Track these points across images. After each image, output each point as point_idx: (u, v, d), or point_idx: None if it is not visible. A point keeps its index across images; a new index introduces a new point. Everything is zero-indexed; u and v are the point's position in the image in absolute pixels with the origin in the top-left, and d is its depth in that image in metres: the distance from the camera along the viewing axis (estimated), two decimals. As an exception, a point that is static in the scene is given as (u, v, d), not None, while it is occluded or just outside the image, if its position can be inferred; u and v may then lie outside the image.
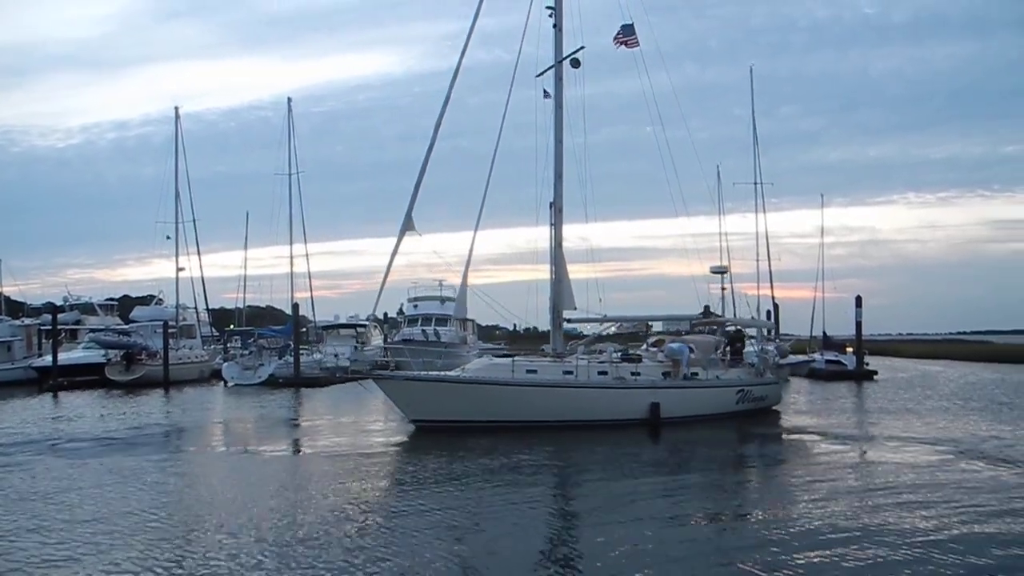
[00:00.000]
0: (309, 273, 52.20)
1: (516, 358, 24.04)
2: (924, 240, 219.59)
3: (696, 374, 23.84)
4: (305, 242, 51.18)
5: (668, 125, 25.24)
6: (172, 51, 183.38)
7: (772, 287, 46.16)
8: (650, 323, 31.42)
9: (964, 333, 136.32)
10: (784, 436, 21.49)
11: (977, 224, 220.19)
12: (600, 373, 22.57)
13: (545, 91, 24.59)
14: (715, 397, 24.02)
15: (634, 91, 24.89)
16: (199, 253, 49.08)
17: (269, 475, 15.35)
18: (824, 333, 46.95)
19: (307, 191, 52.68)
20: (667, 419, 21.89)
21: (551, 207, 24.62)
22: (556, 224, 24.53)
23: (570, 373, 22.22)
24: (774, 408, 26.10)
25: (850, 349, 44.05)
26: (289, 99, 51.45)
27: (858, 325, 43.36)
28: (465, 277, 23.73)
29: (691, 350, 24.12)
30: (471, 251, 24.04)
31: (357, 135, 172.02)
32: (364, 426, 23.17)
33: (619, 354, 24.59)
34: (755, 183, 45.29)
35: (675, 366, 23.39)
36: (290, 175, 49.83)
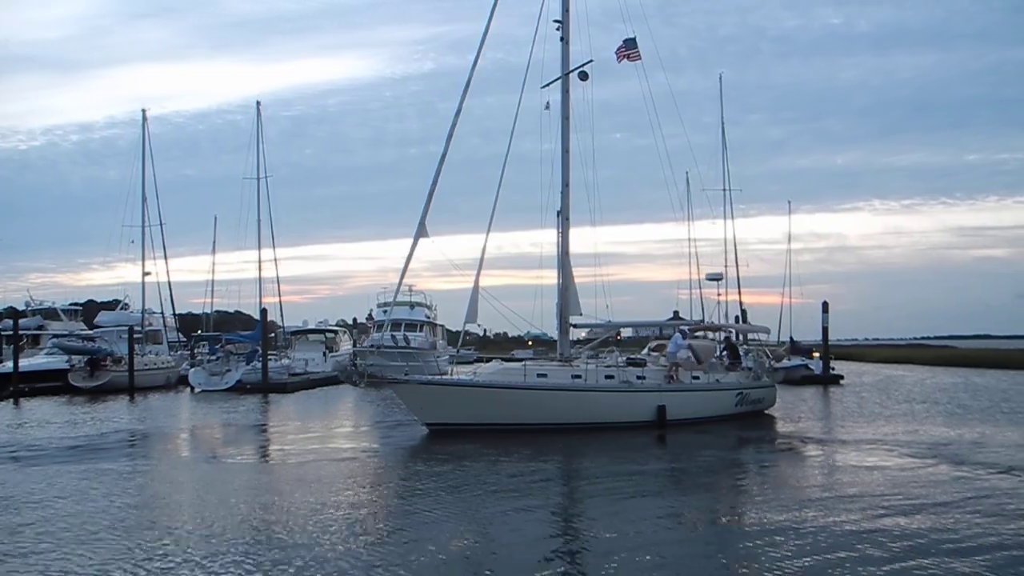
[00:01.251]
0: (278, 278, 51.80)
1: (527, 362, 24.26)
2: (889, 246, 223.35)
3: (698, 378, 24.49)
4: (274, 247, 50.77)
5: (638, 132, 25.48)
6: (138, 53, 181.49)
7: (740, 292, 46.58)
8: (619, 330, 31.53)
9: (928, 338, 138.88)
10: (779, 439, 21.79)
11: (940, 231, 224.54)
12: (607, 377, 23.04)
13: (548, 103, 24.87)
14: (716, 400, 24.70)
15: (602, 98, 25.03)
16: (166, 257, 48.57)
17: (237, 482, 15.10)
18: (791, 338, 47.39)
19: (276, 195, 52.43)
20: (672, 421, 22.53)
21: (558, 215, 24.99)
22: (563, 232, 24.97)
23: (579, 377, 22.59)
24: (769, 411, 26.88)
25: (817, 354, 44.50)
26: (258, 103, 51.10)
27: (825, 330, 43.80)
28: (476, 282, 23.50)
29: (692, 352, 24.74)
30: (482, 256, 23.88)
31: (326, 139, 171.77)
32: (334, 432, 22.99)
33: (624, 358, 25.18)
34: (724, 189, 45.65)
35: (676, 368, 23.90)
36: (259, 179, 49.45)
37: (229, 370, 41.09)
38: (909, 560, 9.12)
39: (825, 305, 44.18)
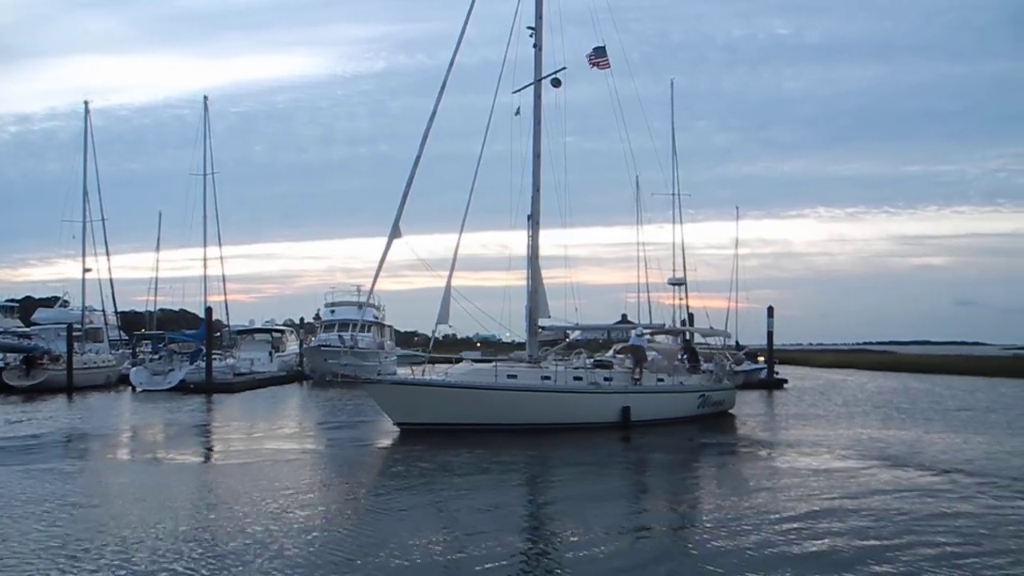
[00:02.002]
0: (224, 276, 51.10)
1: (497, 363, 24.64)
2: (834, 253, 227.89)
3: (662, 380, 25.06)
4: (220, 244, 50.08)
5: (587, 137, 25.83)
6: (82, 43, 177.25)
7: (687, 296, 47.05)
8: (567, 332, 31.73)
9: (870, 343, 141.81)
10: (740, 440, 22.39)
11: (883, 239, 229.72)
12: (576, 378, 23.45)
13: (518, 109, 25.01)
14: (679, 402, 25.33)
15: (551, 102, 25.18)
16: (108, 254, 47.42)
17: (179, 484, 14.83)
18: (737, 342, 47.99)
19: (223, 192, 51.58)
20: (636, 422, 22.97)
21: (528, 219, 25.30)
22: (533, 236, 25.30)
23: (548, 378, 23.00)
24: (730, 412, 27.67)
25: (761, 358, 45.13)
26: (205, 97, 50.37)
27: (769, 335, 44.42)
28: (449, 283, 23.65)
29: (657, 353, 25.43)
30: (455, 256, 24.19)
31: (276, 136, 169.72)
32: (279, 432, 22.68)
33: (592, 360, 25.74)
34: (673, 194, 46.04)
35: (640, 371, 24.28)
36: (205, 175, 48.71)
37: (172, 369, 40.29)
38: (846, 554, 9.48)
39: (770, 310, 44.82)
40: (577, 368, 24.32)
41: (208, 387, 37.60)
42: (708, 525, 11.35)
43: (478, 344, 72.84)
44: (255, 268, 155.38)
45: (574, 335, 31.26)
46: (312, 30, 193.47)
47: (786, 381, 43.55)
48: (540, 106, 25.10)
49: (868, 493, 13.54)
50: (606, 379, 23.84)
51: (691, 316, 46.48)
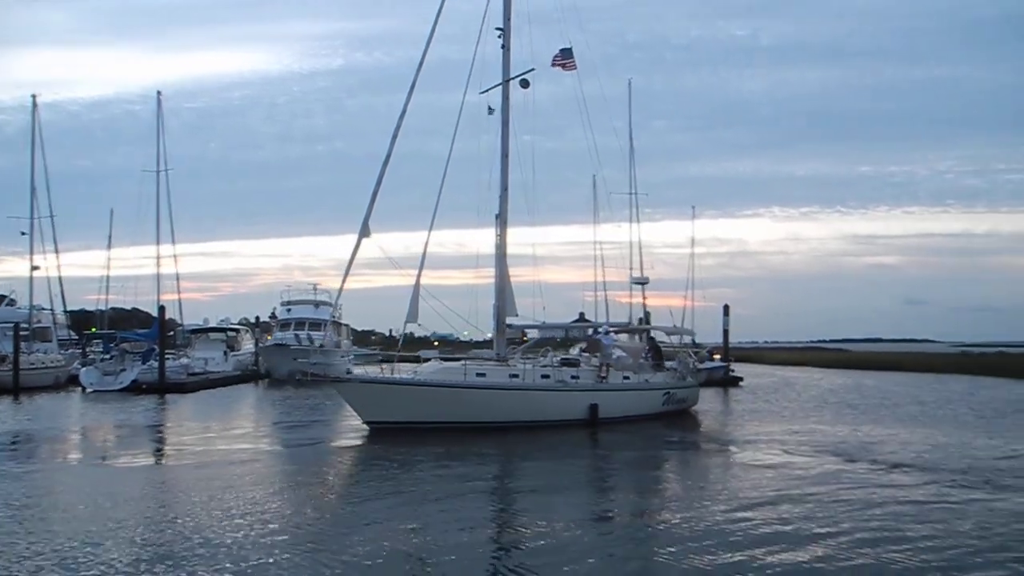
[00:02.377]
0: (177, 275, 50.18)
1: (466, 362, 24.66)
2: (788, 252, 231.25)
3: (628, 378, 25.42)
4: (173, 242, 49.17)
5: (545, 136, 26.03)
6: (31, 36, 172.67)
7: (644, 295, 47.33)
8: (525, 331, 31.84)
9: (824, 341, 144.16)
10: (701, 436, 22.91)
11: (836, 238, 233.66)
12: (543, 376, 23.80)
13: (489, 107, 25.19)
14: (645, 399, 25.74)
15: (522, 102, 25.36)
16: (57, 251, 46.40)
17: (130, 486, 14.50)
18: (693, 340, 48.44)
19: (177, 189, 50.53)
20: (604, 419, 23.31)
21: (496, 219, 25.48)
22: (501, 235, 25.50)
23: (516, 376, 23.37)
24: (692, 409, 28.21)
25: (717, 356, 45.62)
26: (159, 92, 49.28)
27: (725, 333, 45.01)
28: (418, 281, 23.66)
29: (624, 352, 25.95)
30: (424, 255, 24.32)
31: (231, 133, 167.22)
32: (233, 432, 22.37)
33: (559, 358, 26.22)
34: (630, 193, 46.23)
35: (607, 369, 24.67)
36: (159, 172, 47.79)
37: (124, 369, 39.54)
38: (798, 547, 9.73)
39: (726, 308, 45.41)
40: (545, 366, 24.66)
41: (161, 387, 37.03)
42: (671, 518, 11.79)
43: (435, 343, 72.68)
44: (210, 266, 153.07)
45: (532, 334, 31.34)
46: (269, 26, 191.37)
47: (741, 379, 44.07)
48: (508, 107, 25.40)
49: (819, 485, 13.94)
50: (573, 377, 24.20)
51: (648, 314, 46.83)
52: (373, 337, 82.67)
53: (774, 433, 21.67)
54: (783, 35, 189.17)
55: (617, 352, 25.74)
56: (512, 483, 16.11)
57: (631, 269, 46.69)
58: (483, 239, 26.13)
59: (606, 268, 48.36)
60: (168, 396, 34.85)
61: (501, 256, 25.55)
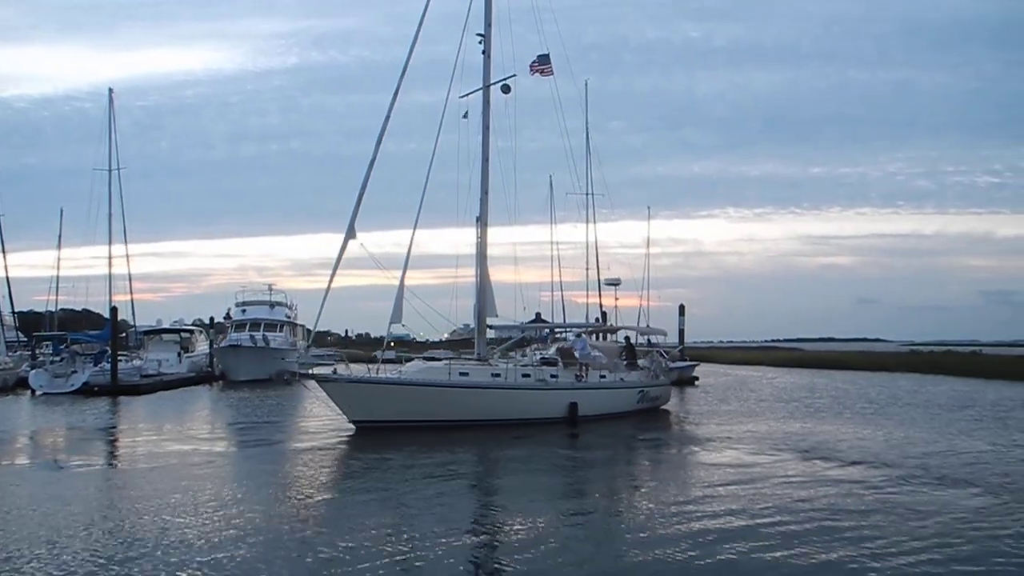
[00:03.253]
0: (130, 275, 49.66)
1: (450, 362, 25.05)
2: (743, 253, 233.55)
3: (604, 377, 26.17)
4: (125, 242, 48.65)
5: (499, 135, 26.22)
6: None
7: (600, 295, 47.75)
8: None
9: (777, 341, 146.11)
10: (674, 433, 23.77)
11: (789, 239, 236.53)
12: (524, 376, 24.49)
13: (466, 113, 25.59)
14: (621, 397, 26.65)
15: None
16: (4, 252, 45.71)
17: (82, 491, 14.29)
18: (649, 340, 48.89)
19: (129, 189, 49.66)
20: (582, 417, 24.02)
21: (477, 221, 26.05)
22: (482, 237, 26.08)
23: (498, 376, 23.99)
24: (664, 407, 29.00)
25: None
26: (111, 89, 48.80)
27: (681, 332, 45.52)
28: (402, 282, 24.07)
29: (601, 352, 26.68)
30: (408, 255, 24.88)
31: (183, 132, 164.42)
32: (187, 434, 22.09)
33: (539, 357, 27.08)
34: (587, 194, 46.56)
35: (585, 369, 25.46)
36: (110, 171, 47.15)
37: (75, 371, 38.72)
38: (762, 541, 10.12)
39: (681, 308, 45.94)
40: (525, 366, 25.46)
41: (114, 389, 36.41)
42: (649, 514, 12.27)
43: (391, 344, 72.45)
44: (163, 267, 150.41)
45: (490, 334, 31.55)
46: (221, 23, 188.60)
47: (697, 378, 44.58)
48: (489, 112, 25.81)
49: (780, 483, 14.48)
50: (552, 376, 24.86)
51: (604, 314, 47.22)
52: (329, 337, 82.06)
53: (733, 431, 22.24)
54: (736, 38, 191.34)
55: (595, 352, 26.37)
56: (495, 481, 16.40)
57: (587, 269, 47.14)
58: (450, 239, 26.74)
59: (563, 268, 48.72)
60: (121, 398, 34.28)
61: (482, 257, 26.11)
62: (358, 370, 24.33)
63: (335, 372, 22.96)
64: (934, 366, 53.17)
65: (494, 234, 26.86)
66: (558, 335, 33.12)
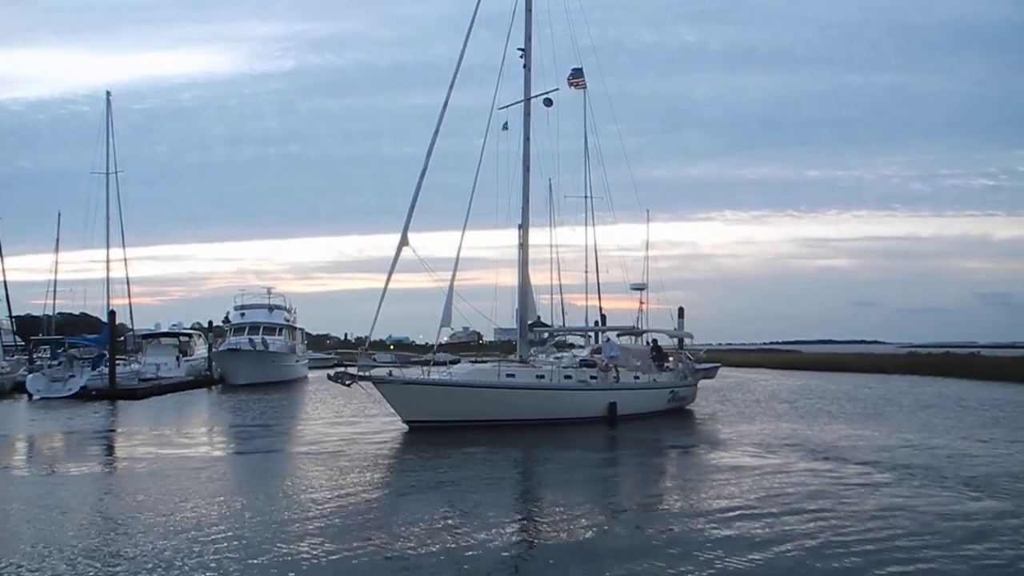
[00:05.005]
0: (128, 279, 49.63)
1: (497, 364, 26.19)
2: (740, 255, 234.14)
3: (638, 378, 27.41)
4: (124, 246, 48.66)
5: (501, 139, 26.34)
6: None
7: (600, 298, 47.62)
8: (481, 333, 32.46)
9: (776, 343, 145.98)
10: (703, 432, 24.33)
11: (786, 242, 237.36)
12: (566, 377, 25.51)
13: (505, 124, 26.38)
14: (654, 397, 27.90)
15: (466, 104, 25.85)
16: (1, 255, 45.53)
17: (80, 496, 14.18)
18: (654, 341, 48.72)
19: (127, 192, 49.77)
20: (620, 416, 25.00)
21: (519, 228, 27.24)
22: (524, 243, 27.23)
23: (543, 377, 25.14)
24: (690, 407, 30.21)
25: (672, 359, 45.90)
26: (108, 92, 48.80)
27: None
28: (452, 285, 24.85)
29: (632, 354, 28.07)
30: (457, 258, 25.43)
31: (181, 135, 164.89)
32: (187, 438, 22.05)
33: (579, 359, 28.31)
34: (585, 197, 46.43)
35: (616, 369, 26.37)
36: (108, 174, 47.13)
37: (73, 376, 38.59)
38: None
39: (681, 311, 45.66)
40: (567, 367, 26.49)
41: (112, 393, 36.29)
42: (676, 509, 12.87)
43: (391, 347, 72.46)
44: (161, 270, 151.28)
45: (487, 337, 32.00)
46: (218, 26, 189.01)
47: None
48: (529, 123, 26.58)
49: (801, 482, 14.73)
50: (592, 377, 25.87)
51: (603, 317, 47.13)
52: (328, 341, 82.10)
53: (742, 432, 22.49)
54: (731, 41, 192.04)
55: (628, 354, 27.51)
56: (542, 479, 17.04)
57: (586, 272, 47.00)
58: (481, 242, 28.41)
59: (563, 271, 48.58)
60: (119, 403, 34.17)
61: (524, 263, 27.24)
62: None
63: (390, 374, 23.50)
64: (933, 368, 53.17)
65: (495, 237, 27.52)
66: (558, 338, 33.53)
